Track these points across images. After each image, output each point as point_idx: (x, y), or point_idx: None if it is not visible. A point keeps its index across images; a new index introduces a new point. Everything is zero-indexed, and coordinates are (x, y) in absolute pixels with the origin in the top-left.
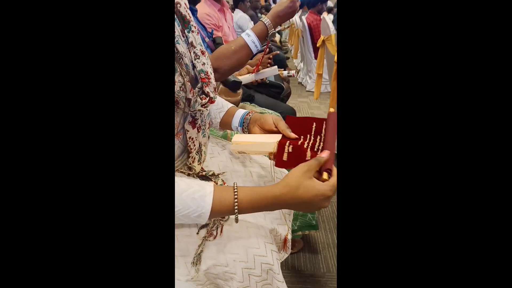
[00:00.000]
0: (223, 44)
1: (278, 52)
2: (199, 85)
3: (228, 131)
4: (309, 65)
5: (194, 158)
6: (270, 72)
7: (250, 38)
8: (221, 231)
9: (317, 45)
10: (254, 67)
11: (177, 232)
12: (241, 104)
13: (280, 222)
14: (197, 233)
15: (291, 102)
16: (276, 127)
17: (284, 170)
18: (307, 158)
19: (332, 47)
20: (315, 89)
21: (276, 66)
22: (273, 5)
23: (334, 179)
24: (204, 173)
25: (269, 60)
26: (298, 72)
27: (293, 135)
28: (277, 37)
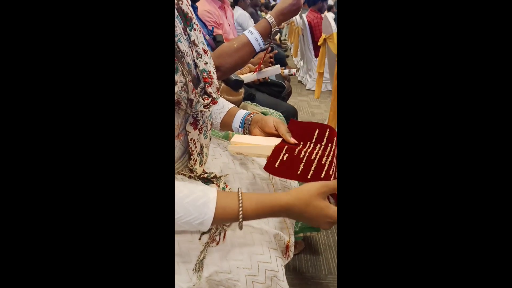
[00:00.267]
0: (224, 42)
1: (277, 51)
2: (201, 85)
3: (230, 131)
4: (309, 64)
5: (196, 160)
6: (273, 71)
7: (253, 35)
8: (224, 237)
9: (319, 43)
10: (256, 66)
11: (178, 237)
12: (242, 103)
13: (283, 226)
14: (199, 239)
15: (291, 101)
16: (276, 130)
17: None
18: (298, 172)
19: (333, 46)
20: (316, 88)
21: (278, 65)
22: (273, 3)
23: None
24: (205, 175)
25: (271, 59)
26: (298, 70)
27: (292, 140)
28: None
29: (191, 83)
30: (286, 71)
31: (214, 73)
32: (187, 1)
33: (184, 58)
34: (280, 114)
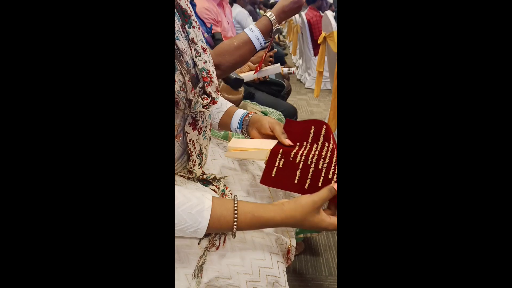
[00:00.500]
0: (223, 40)
1: (276, 50)
2: (200, 84)
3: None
4: (308, 62)
5: (195, 162)
6: (273, 70)
7: (254, 33)
8: (224, 242)
9: (318, 41)
10: (257, 65)
11: (177, 242)
12: (242, 102)
13: (284, 229)
14: (199, 243)
15: (289, 100)
16: (272, 131)
17: None
18: (295, 182)
19: (334, 44)
20: (315, 87)
21: (278, 64)
22: (272, 0)
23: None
24: (205, 176)
25: (271, 58)
26: (297, 69)
27: (287, 142)
28: None
29: (190, 83)
30: (285, 70)
31: (213, 72)
32: None
33: (182, 56)
34: (280, 113)
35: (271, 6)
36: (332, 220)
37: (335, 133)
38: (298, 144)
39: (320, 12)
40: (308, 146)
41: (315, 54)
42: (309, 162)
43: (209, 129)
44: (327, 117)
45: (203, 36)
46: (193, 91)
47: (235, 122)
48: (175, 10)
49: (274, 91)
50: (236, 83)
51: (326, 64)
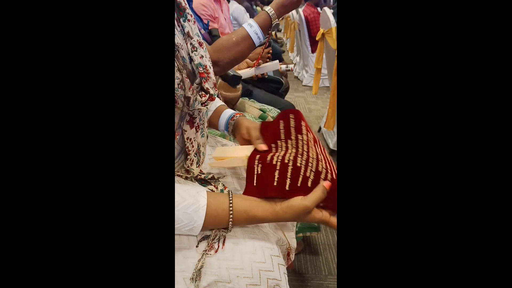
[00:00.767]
0: (220, 36)
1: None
2: (197, 80)
3: None
4: (306, 59)
5: (193, 161)
6: (271, 67)
7: (253, 29)
8: (223, 244)
9: (316, 38)
10: (254, 61)
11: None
12: (240, 100)
13: (284, 229)
14: (197, 246)
15: (287, 97)
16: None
17: None
18: (274, 184)
19: (332, 41)
20: (313, 84)
21: (277, 61)
22: None
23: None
24: (203, 176)
25: (269, 54)
26: (294, 65)
27: (261, 148)
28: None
29: (188, 80)
30: (283, 67)
31: (210, 67)
32: None
33: (178, 51)
34: (279, 110)
35: (268, 3)
36: (324, 214)
37: (334, 130)
38: (273, 145)
39: (318, 8)
40: (284, 144)
41: (313, 51)
42: (286, 161)
43: (206, 127)
44: (325, 114)
45: (200, 32)
46: (191, 89)
47: (222, 123)
48: None
49: (273, 88)
50: (234, 80)
51: (324, 61)
